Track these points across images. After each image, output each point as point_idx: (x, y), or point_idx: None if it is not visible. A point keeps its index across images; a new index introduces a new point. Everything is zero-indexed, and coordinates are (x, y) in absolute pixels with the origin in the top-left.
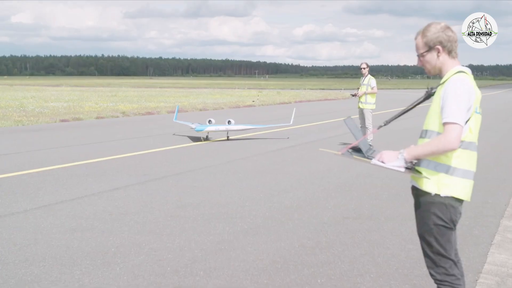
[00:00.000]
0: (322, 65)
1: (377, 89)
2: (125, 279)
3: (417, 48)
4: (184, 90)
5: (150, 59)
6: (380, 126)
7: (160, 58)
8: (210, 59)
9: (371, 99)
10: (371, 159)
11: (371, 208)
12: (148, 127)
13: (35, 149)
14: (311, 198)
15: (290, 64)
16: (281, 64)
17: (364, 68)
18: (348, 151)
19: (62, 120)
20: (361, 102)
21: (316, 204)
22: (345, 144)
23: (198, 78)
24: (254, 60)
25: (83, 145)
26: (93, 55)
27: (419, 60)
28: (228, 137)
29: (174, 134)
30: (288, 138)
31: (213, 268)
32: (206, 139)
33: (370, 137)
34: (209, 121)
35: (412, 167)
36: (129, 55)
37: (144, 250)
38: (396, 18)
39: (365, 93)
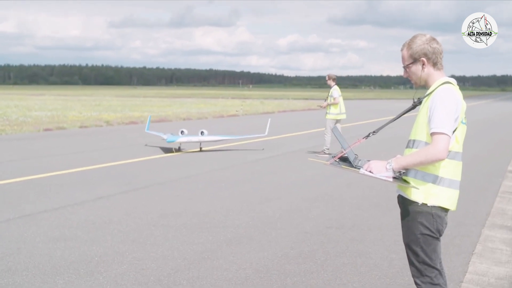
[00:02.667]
0: (306, 75)
1: (354, 99)
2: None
3: (403, 60)
4: (168, 99)
5: (134, 69)
6: (368, 136)
7: (144, 67)
8: (194, 69)
9: (334, 110)
10: (359, 168)
11: (353, 218)
12: (131, 136)
13: (18, 158)
14: (293, 208)
15: (274, 74)
16: (265, 74)
17: (327, 80)
18: (336, 161)
19: (46, 129)
20: (327, 113)
21: (298, 214)
22: (321, 155)
23: (182, 88)
24: (238, 70)
25: (67, 154)
26: (77, 64)
27: (405, 71)
28: (201, 148)
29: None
30: (263, 149)
31: (196, 277)
32: (178, 150)
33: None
34: (182, 131)
35: (400, 177)
36: (113, 65)
37: (127, 259)
38: (379, 29)
39: (328, 104)
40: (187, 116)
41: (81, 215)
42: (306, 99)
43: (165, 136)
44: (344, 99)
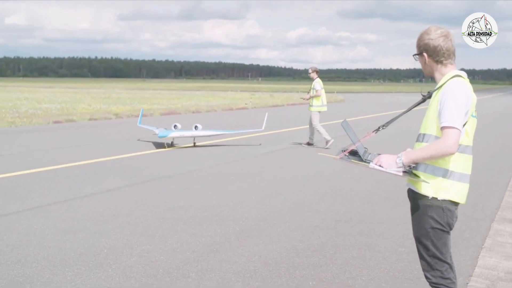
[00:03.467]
0: None
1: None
2: (117, 280)
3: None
4: (177, 92)
5: (144, 61)
6: (378, 130)
7: (153, 60)
8: (203, 62)
9: (316, 102)
10: (368, 163)
11: (362, 212)
12: (140, 128)
13: (27, 151)
14: (303, 201)
15: (283, 67)
16: (274, 67)
17: (309, 73)
18: (345, 155)
19: (55, 122)
20: (309, 105)
21: (307, 207)
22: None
23: (191, 81)
24: (247, 63)
25: (76, 147)
26: (87, 57)
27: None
28: (194, 143)
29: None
30: (260, 144)
31: (205, 270)
32: (171, 145)
33: (326, 136)
34: (175, 126)
35: (410, 171)
36: (122, 57)
37: (136, 252)
38: (389, 23)
39: (311, 97)
40: (196, 109)
41: (90, 208)
42: None
43: (157, 131)
44: (353, 92)
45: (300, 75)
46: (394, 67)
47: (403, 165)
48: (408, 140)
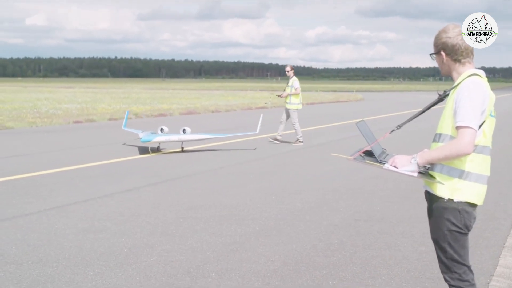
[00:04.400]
0: (334, 67)
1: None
2: (138, 280)
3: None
4: (196, 92)
5: (163, 61)
6: (393, 130)
7: (173, 60)
8: (223, 61)
9: (295, 100)
10: (383, 163)
11: (382, 210)
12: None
13: (48, 151)
14: (322, 200)
15: (302, 66)
16: (293, 66)
17: (288, 71)
18: (360, 155)
19: (76, 122)
20: (287, 103)
21: (327, 206)
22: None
23: (210, 80)
24: (266, 62)
25: (96, 147)
26: (106, 57)
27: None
28: (182, 148)
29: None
30: (255, 149)
31: (225, 269)
32: (157, 150)
33: (299, 134)
34: (161, 129)
35: (426, 172)
36: (142, 57)
37: (156, 251)
38: (408, 21)
39: (289, 94)
40: (215, 109)
41: (110, 207)
42: (335, 91)
43: (141, 135)
44: (372, 91)
45: (319, 74)
46: (414, 66)
47: (418, 165)
48: (423, 140)
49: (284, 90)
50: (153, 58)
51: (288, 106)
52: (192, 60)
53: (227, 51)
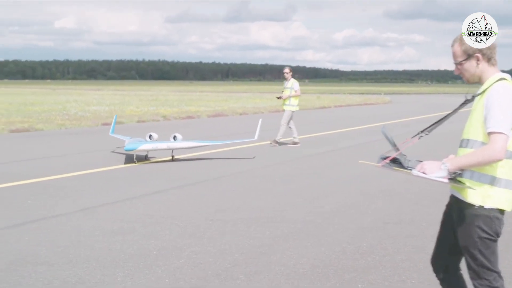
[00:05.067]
0: (361, 70)
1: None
2: (167, 282)
3: (455, 56)
4: (224, 94)
5: (190, 64)
6: (421, 136)
7: (200, 62)
8: (250, 64)
9: (294, 101)
10: (411, 170)
11: (411, 214)
12: (187, 131)
13: (77, 152)
14: (351, 203)
15: (329, 68)
16: (320, 68)
17: (287, 73)
18: (387, 163)
19: (104, 124)
20: (286, 104)
21: (355, 209)
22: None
23: (238, 83)
24: (294, 64)
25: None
26: (134, 59)
27: (457, 68)
28: (173, 156)
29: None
30: (254, 157)
31: (253, 272)
32: (146, 159)
33: (279, 137)
34: (150, 136)
35: (455, 178)
36: (169, 59)
37: (185, 254)
38: (436, 23)
39: (290, 96)
40: (243, 111)
41: (139, 209)
42: (362, 94)
43: (127, 142)
44: (400, 93)
45: (347, 77)
46: (442, 68)
47: (449, 172)
48: (435, 144)
49: (282, 92)
50: (181, 60)
51: (285, 108)
52: (219, 63)
53: (254, 54)
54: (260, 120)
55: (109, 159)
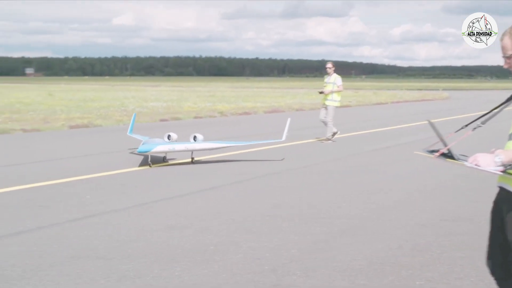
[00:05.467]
0: (419, 66)
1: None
2: (224, 277)
3: (505, 50)
4: (281, 90)
5: (247, 60)
6: (475, 128)
7: (257, 58)
8: (306, 60)
9: (337, 97)
10: (463, 161)
11: (470, 211)
12: (244, 127)
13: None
14: (408, 199)
15: (387, 64)
16: (377, 64)
17: (329, 68)
18: (441, 154)
19: (162, 120)
20: (328, 100)
21: (412, 205)
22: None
23: (294, 79)
24: (350, 60)
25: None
26: (191, 55)
27: (506, 62)
28: (192, 158)
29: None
30: (283, 159)
31: (310, 268)
32: (164, 161)
33: (331, 133)
34: (168, 136)
35: (506, 170)
36: (226, 56)
37: (242, 249)
38: (496, 18)
39: (332, 91)
40: (299, 107)
41: (196, 204)
42: (420, 90)
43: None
44: (459, 89)
45: (404, 73)
46: (502, 64)
47: (503, 164)
48: (492, 137)
49: (324, 87)
50: (237, 56)
51: (328, 103)
52: (276, 59)
53: (311, 50)
54: (289, 119)
55: (169, 155)
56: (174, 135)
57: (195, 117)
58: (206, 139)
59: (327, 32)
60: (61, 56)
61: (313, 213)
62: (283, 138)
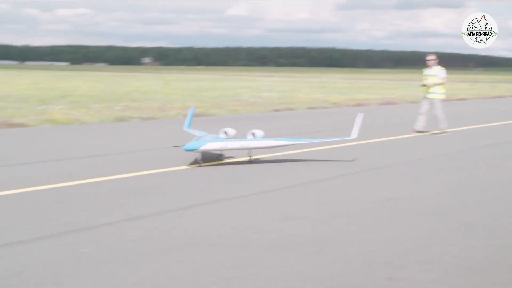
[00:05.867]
0: None
1: None
2: (338, 267)
3: None
4: (395, 82)
5: (360, 51)
6: None
7: (370, 50)
8: (421, 52)
9: (440, 89)
10: None
11: None
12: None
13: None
14: None
15: (505, 57)
16: (495, 57)
17: (431, 60)
18: None
19: (276, 110)
20: (430, 93)
21: None
22: None
23: (409, 71)
24: (466, 52)
25: (296, 135)
26: (305, 46)
27: None
28: (250, 157)
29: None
30: (353, 160)
31: (424, 261)
32: (219, 159)
33: (444, 125)
34: (225, 132)
35: None
36: (339, 47)
37: (356, 240)
38: None
39: (435, 84)
40: (413, 99)
41: (310, 195)
42: None
43: (194, 139)
44: None
45: None
46: None
47: None
48: None
49: (424, 79)
50: (351, 48)
51: (431, 96)
52: (390, 50)
53: (426, 41)
54: (362, 114)
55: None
56: (231, 131)
57: (309, 108)
58: (327, 130)
59: (443, 23)
60: (177, 46)
61: (429, 206)
62: (354, 135)
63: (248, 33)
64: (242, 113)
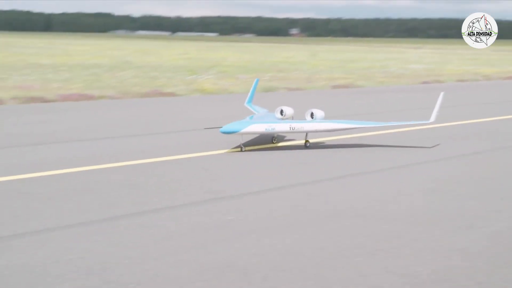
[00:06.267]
0: None
1: None
2: (484, 244)
3: None
4: None
5: None
6: None
7: None
8: None
9: None
10: None
11: None
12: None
13: (401, 110)
14: None
15: None
16: None
17: None
18: None
19: (423, 82)
20: None
21: None
22: None
23: None
24: None
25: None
26: (456, 17)
27: None
28: (307, 141)
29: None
30: (433, 147)
31: None
32: (272, 141)
33: None
34: (281, 111)
35: None
36: (495, 17)
37: (504, 216)
38: None
39: None
40: None
41: (456, 169)
42: None
43: (248, 117)
44: None
45: None
46: None
47: None
48: None
49: None
50: (506, 19)
51: None
52: None
53: None
54: (442, 93)
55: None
56: (289, 111)
57: (458, 80)
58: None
59: None
60: (325, 17)
61: None
62: (432, 119)
63: (397, 4)
64: (389, 84)
